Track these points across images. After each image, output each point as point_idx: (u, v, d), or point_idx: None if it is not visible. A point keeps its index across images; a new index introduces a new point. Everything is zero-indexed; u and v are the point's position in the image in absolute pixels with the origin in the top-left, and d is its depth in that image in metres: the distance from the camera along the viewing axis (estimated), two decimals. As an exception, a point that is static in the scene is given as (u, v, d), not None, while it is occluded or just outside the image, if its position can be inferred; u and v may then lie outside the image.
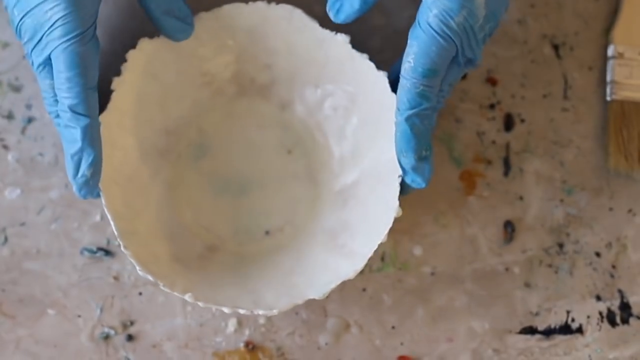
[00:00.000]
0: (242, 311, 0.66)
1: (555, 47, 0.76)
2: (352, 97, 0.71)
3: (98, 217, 0.72)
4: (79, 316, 0.71)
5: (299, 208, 0.73)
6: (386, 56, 0.72)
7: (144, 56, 0.69)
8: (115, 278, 0.71)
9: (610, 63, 0.74)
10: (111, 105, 0.68)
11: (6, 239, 0.72)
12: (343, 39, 0.70)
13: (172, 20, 0.68)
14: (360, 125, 0.73)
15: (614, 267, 0.73)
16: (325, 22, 0.70)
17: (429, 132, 0.65)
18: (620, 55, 0.74)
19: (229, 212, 0.73)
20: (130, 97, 0.71)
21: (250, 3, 0.71)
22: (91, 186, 0.65)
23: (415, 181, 0.66)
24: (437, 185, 0.74)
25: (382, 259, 0.72)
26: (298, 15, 0.71)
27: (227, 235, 0.73)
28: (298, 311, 0.71)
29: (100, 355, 0.71)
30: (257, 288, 0.70)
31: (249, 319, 0.71)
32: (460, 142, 0.74)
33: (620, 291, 0.73)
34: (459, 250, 0.73)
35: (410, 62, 0.64)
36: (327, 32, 0.71)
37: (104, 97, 0.69)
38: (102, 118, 0.67)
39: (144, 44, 0.69)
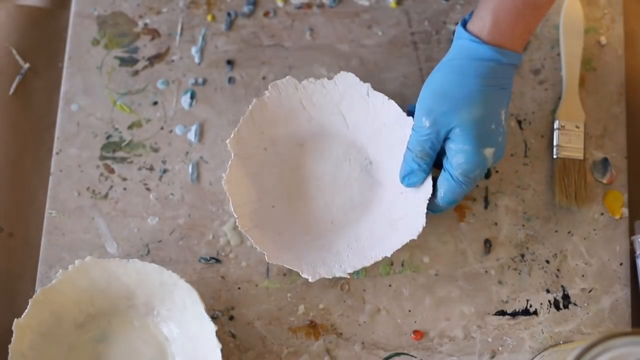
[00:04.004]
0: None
1: (519, 122, 0.83)
2: None
3: (210, 237, 0.80)
4: (199, 303, 0.78)
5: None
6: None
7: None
8: (222, 277, 0.80)
9: (555, 132, 0.82)
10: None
11: (149, 251, 0.81)
12: None
13: None
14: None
15: (558, 270, 0.80)
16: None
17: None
18: (562, 127, 0.82)
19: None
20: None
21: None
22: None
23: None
24: (439, 215, 0.80)
25: (402, 264, 0.80)
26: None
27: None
28: (346, 299, 0.79)
29: (212, 329, 0.77)
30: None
31: (313, 305, 0.78)
32: (455, 186, 0.81)
33: (562, 286, 0.80)
34: (454, 258, 0.81)
35: (441, 194, 0.76)
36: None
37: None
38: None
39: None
